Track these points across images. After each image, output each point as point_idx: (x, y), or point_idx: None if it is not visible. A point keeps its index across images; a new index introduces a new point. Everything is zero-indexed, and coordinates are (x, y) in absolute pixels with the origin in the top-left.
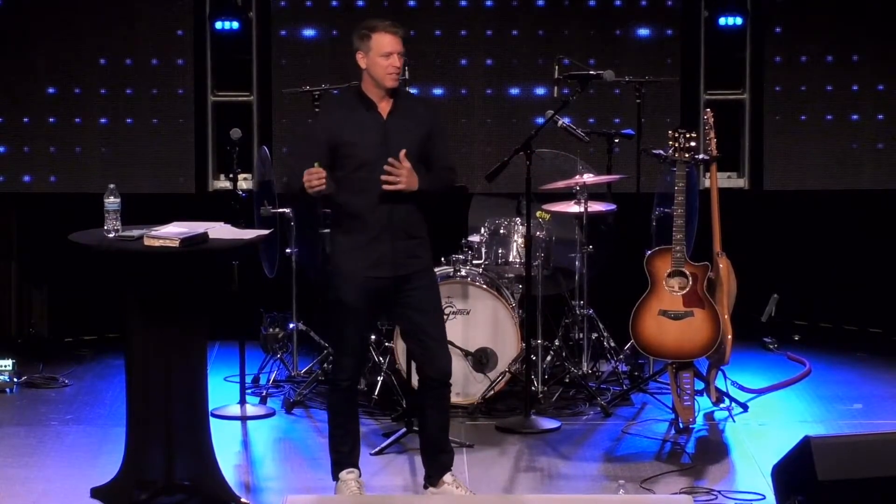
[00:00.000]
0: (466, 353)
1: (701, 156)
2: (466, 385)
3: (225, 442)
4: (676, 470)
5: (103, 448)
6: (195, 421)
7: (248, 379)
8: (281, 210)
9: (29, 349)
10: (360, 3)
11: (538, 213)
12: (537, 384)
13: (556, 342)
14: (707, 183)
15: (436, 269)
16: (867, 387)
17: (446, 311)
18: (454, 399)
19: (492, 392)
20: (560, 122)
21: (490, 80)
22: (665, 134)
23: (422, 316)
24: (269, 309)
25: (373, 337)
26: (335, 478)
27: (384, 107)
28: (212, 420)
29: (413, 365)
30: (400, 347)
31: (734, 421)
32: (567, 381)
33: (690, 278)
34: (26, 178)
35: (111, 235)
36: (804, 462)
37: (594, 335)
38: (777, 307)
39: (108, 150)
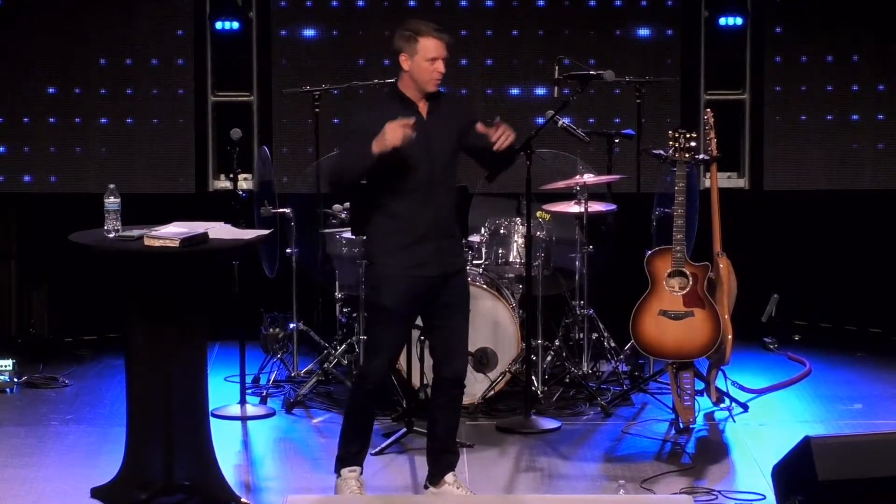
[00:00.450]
0: (467, 353)
1: (701, 156)
2: (466, 385)
3: (225, 442)
4: (676, 470)
5: (103, 448)
6: (195, 421)
7: (249, 379)
8: (281, 210)
9: (29, 349)
10: (360, 3)
11: (538, 213)
12: (537, 384)
13: (557, 342)
14: (707, 183)
15: None
16: (867, 387)
17: None
18: None
19: (492, 392)
20: (560, 123)
21: (490, 80)
22: (665, 134)
23: (452, 315)
24: (269, 309)
25: None
26: (337, 473)
27: (423, 107)
28: (212, 420)
29: (413, 365)
30: None
31: (734, 421)
32: (567, 381)
33: (690, 278)
34: (26, 178)
35: (111, 235)
36: (804, 462)
37: (594, 335)
38: (777, 307)
39: (108, 150)
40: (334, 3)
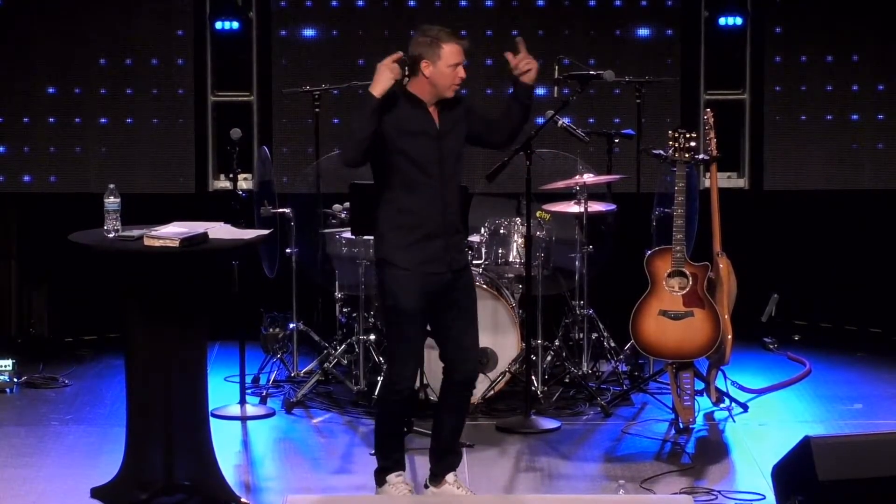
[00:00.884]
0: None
1: (701, 156)
2: None
3: (225, 442)
4: (676, 470)
5: (103, 448)
6: (195, 421)
7: (248, 379)
8: (281, 210)
9: (29, 349)
10: (360, 2)
11: (538, 213)
12: (537, 384)
13: (556, 342)
14: (707, 183)
15: None
16: (867, 387)
17: None
18: None
19: (492, 392)
20: (560, 122)
21: (490, 80)
22: (665, 134)
23: (460, 316)
24: (269, 309)
25: (372, 337)
26: (380, 482)
27: (433, 109)
28: (212, 420)
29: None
30: None
31: (734, 421)
32: (567, 381)
33: (690, 278)
34: (26, 178)
35: (111, 235)
36: (804, 462)
37: (594, 335)
38: (777, 307)
39: (108, 150)
40: (334, 3)
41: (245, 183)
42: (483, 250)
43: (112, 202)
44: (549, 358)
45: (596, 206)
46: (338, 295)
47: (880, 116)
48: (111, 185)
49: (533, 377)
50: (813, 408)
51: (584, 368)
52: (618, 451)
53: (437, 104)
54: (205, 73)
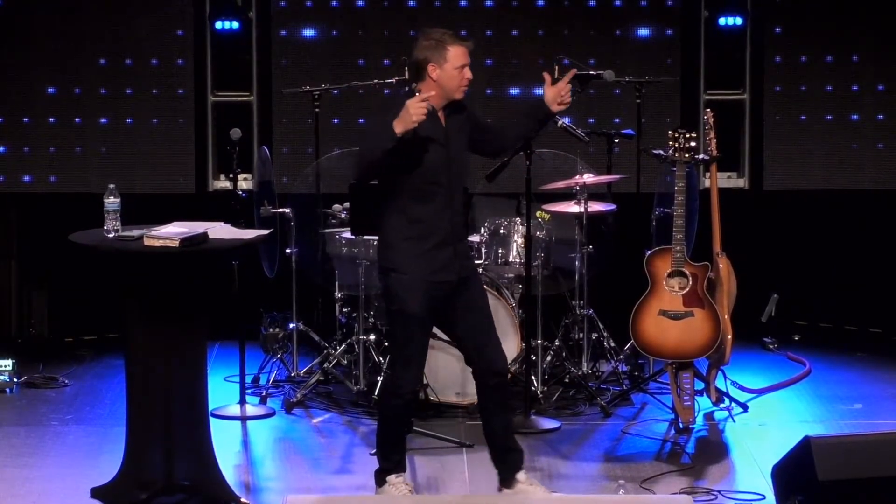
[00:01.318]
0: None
1: (701, 156)
2: (466, 385)
3: (225, 442)
4: (676, 470)
5: (103, 448)
6: (195, 421)
7: (248, 379)
8: (281, 210)
9: (29, 349)
10: (360, 3)
11: (538, 213)
12: (537, 384)
13: (556, 342)
14: (707, 183)
15: None
16: (867, 387)
17: None
18: (454, 399)
19: None
20: (560, 122)
21: (490, 80)
22: (665, 134)
23: (476, 317)
24: (269, 309)
25: (372, 337)
26: (380, 482)
27: (442, 113)
28: (212, 420)
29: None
30: None
31: (734, 421)
32: (567, 381)
33: (690, 278)
34: (26, 178)
35: (111, 235)
36: (804, 462)
37: (594, 335)
38: (777, 307)
39: (108, 150)
40: (334, 3)
41: (245, 183)
42: (483, 250)
43: (112, 202)
44: (548, 358)
45: (596, 206)
46: (338, 295)
47: (880, 116)
48: (111, 185)
49: (533, 377)
50: (813, 408)
51: (584, 368)
52: (618, 451)
53: (444, 109)
54: (205, 73)
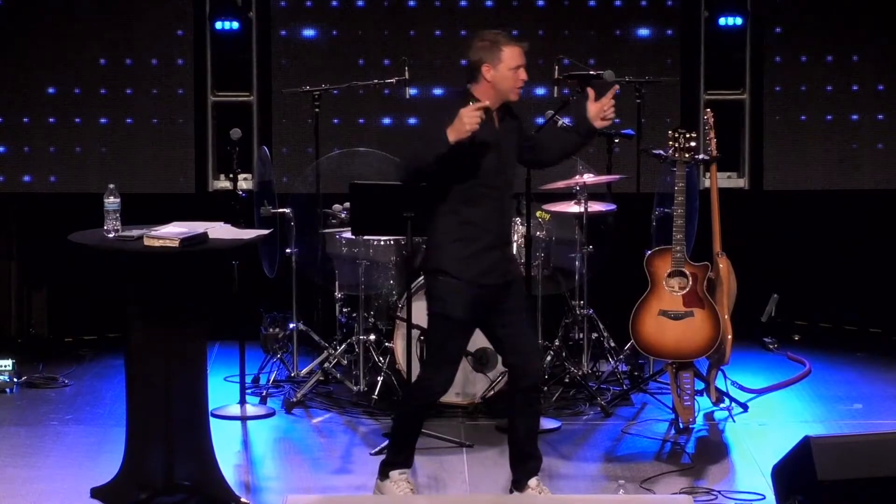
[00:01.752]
0: (466, 353)
1: (701, 156)
2: (466, 385)
3: (225, 442)
4: (676, 470)
5: (103, 448)
6: (195, 421)
7: (248, 379)
8: (281, 210)
9: (29, 349)
10: (360, 3)
11: (538, 213)
12: None
13: (556, 342)
14: (707, 183)
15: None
16: (867, 387)
17: None
18: (453, 399)
19: (492, 392)
20: (560, 123)
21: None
22: (665, 134)
23: (516, 321)
24: (269, 309)
25: (372, 337)
26: (383, 476)
27: (497, 115)
28: (212, 420)
29: (413, 365)
30: (400, 347)
31: (734, 421)
32: (567, 381)
33: (690, 278)
34: (26, 178)
35: (111, 235)
36: (804, 462)
37: (594, 335)
38: (777, 307)
39: (108, 150)
40: (334, 3)
41: (245, 183)
42: None
43: (112, 202)
44: (549, 358)
45: (596, 206)
46: (338, 295)
47: (880, 116)
48: (111, 185)
49: None
50: (813, 408)
51: (584, 368)
52: (618, 451)
53: (497, 112)
54: (205, 73)
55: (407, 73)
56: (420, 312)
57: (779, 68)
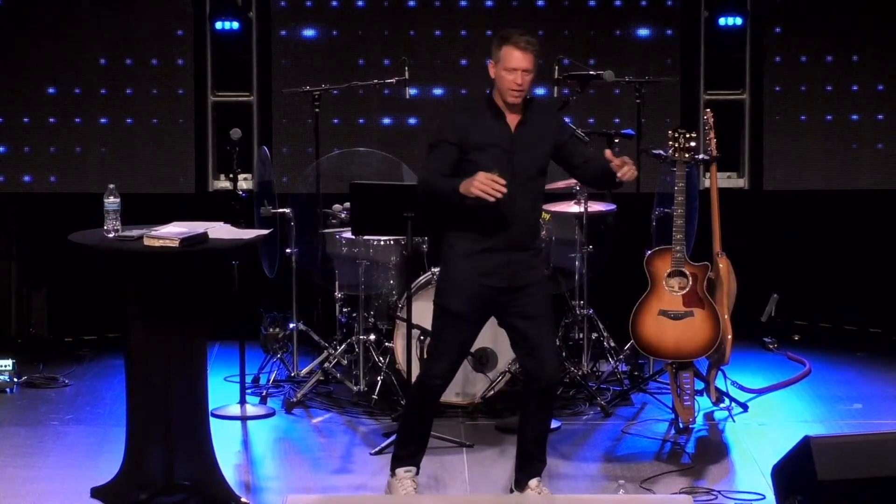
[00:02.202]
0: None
1: (701, 156)
2: (466, 385)
3: (225, 442)
4: (676, 470)
5: (103, 448)
6: (195, 421)
7: (248, 379)
8: (281, 210)
9: (29, 349)
10: (360, 3)
11: None
12: None
13: (556, 342)
14: (707, 183)
15: (434, 270)
16: (867, 387)
17: None
18: (454, 399)
19: (492, 392)
20: None
21: (490, 80)
22: (665, 134)
23: (528, 323)
24: (269, 309)
25: (372, 337)
26: (392, 472)
27: (513, 118)
28: (212, 420)
29: (413, 365)
30: (400, 347)
31: (734, 421)
32: (567, 381)
33: (690, 278)
34: (26, 178)
35: (111, 235)
36: (804, 462)
37: (594, 335)
38: (777, 307)
39: (108, 150)
40: (334, 3)
41: (245, 183)
42: None
43: (112, 202)
44: None
45: (596, 206)
46: (338, 295)
47: (880, 116)
48: (111, 185)
49: None
50: (813, 408)
51: (584, 368)
52: (618, 451)
53: (518, 112)
54: (205, 73)
55: (407, 73)
56: (420, 312)
57: (779, 68)
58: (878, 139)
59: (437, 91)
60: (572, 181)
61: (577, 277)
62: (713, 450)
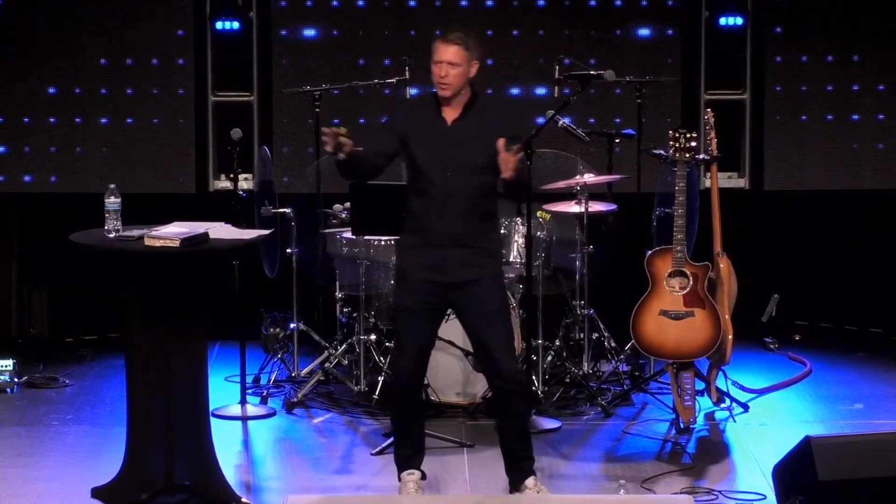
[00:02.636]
0: (466, 353)
1: (701, 156)
2: (466, 385)
3: (225, 442)
4: (677, 470)
5: (103, 448)
6: (195, 421)
7: (249, 379)
8: (281, 210)
9: (29, 349)
10: (360, 2)
11: (538, 213)
12: (538, 384)
13: (557, 342)
14: (707, 183)
15: None
16: (867, 387)
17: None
18: (454, 399)
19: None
20: (560, 122)
21: (490, 80)
22: (665, 134)
23: (477, 322)
24: (269, 309)
25: (373, 337)
26: (398, 476)
27: (451, 112)
28: (212, 420)
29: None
30: None
31: (735, 421)
32: (568, 381)
33: (691, 278)
34: (26, 178)
35: (111, 235)
36: (805, 462)
37: (595, 335)
38: (777, 307)
39: (108, 150)
40: (334, 3)
41: (245, 183)
42: None
43: (112, 202)
44: (549, 358)
45: (596, 206)
46: (338, 295)
47: (880, 116)
48: (111, 185)
49: (533, 377)
50: (813, 408)
51: (585, 368)
52: (618, 451)
53: (459, 107)
54: (205, 73)
55: (407, 73)
56: None
57: (779, 68)
58: (878, 139)
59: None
60: (573, 181)
61: (577, 277)
62: (714, 450)
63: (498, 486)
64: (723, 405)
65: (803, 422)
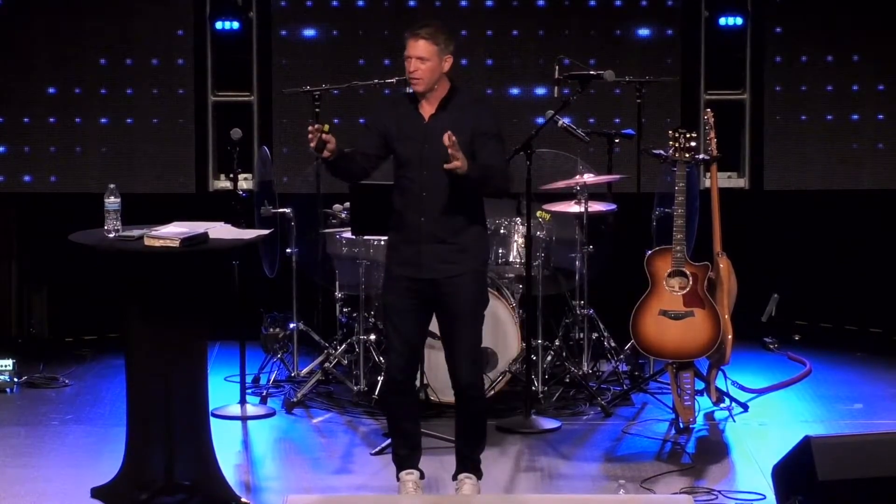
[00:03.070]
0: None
1: (701, 156)
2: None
3: (225, 442)
4: (677, 470)
5: (103, 448)
6: (195, 421)
7: (249, 379)
8: (281, 210)
9: (29, 349)
10: (360, 2)
11: (538, 213)
12: (537, 384)
13: (557, 342)
14: (707, 183)
15: None
16: (867, 387)
17: None
18: (453, 399)
19: (492, 392)
20: (560, 122)
21: (490, 80)
22: (665, 134)
23: (448, 321)
24: (269, 309)
25: (372, 337)
26: (397, 476)
27: (428, 107)
28: (212, 420)
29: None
30: None
31: (734, 421)
32: (567, 381)
33: (691, 278)
34: (26, 178)
35: (111, 235)
36: (804, 462)
37: (594, 335)
38: (777, 307)
39: (108, 150)
40: (334, 3)
41: (245, 183)
42: None
43: (112, 202)
44: (549, 358)
45: (596, 206)
46: (338, 295)
47: (880, 116)
48: (111, 185)
49: (533, 377)
50: (813, 408)
51: (585, 368)
52: (618, 451)
53: (435, 103)
54: (205, 73)
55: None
56: None
57: (779, 68)
58: (878, 139)
59: None
60: (573, 181)
61: (577, 277)
62: (713, 450)
63: (497, 486)
64: (722, 405)
65: (803, 422)
